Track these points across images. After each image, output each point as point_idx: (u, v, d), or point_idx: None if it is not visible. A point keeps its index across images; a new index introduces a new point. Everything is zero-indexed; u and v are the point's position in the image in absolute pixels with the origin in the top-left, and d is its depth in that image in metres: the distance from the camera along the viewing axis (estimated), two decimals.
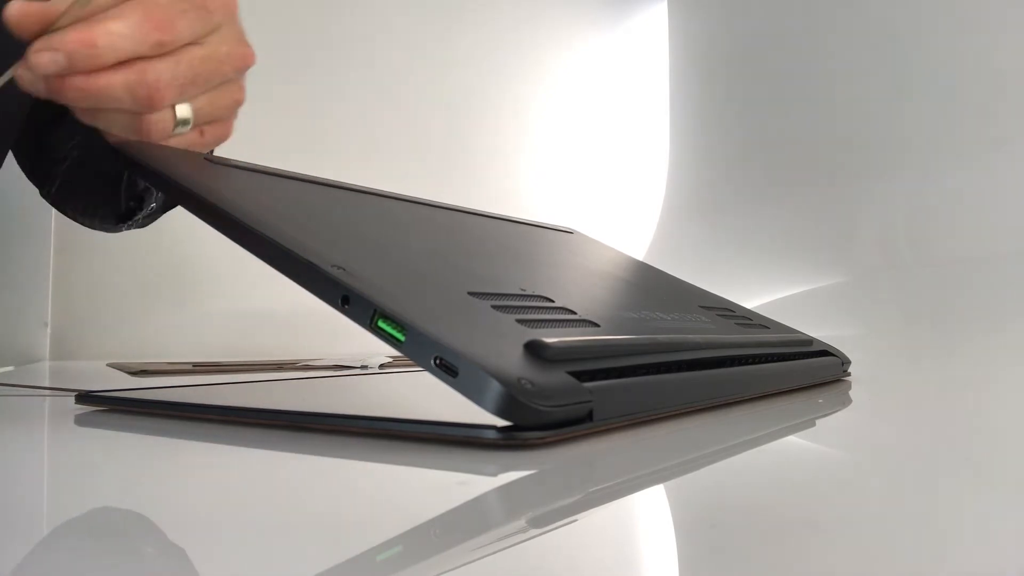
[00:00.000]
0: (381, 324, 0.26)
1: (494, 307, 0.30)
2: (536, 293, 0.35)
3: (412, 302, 0.27)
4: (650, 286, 0.50)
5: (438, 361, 0.24)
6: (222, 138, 0.43)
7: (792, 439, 0.32)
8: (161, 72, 0.37)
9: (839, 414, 0.39)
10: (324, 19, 1.16)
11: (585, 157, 1.53)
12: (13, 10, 0.34)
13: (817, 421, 0.36)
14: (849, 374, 0.50)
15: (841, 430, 0.35)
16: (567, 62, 1.52)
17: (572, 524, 0.19)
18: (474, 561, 0.16)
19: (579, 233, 0.59)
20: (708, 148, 1.42)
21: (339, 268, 0.27)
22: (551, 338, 0.27)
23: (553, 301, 0.35)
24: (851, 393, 0.45)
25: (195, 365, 0.72)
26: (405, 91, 1.23)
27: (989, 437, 0.32)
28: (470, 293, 0.31)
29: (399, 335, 0.25)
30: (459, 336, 0.25)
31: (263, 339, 0.97)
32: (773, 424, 0.34)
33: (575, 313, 0.34)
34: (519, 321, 0.30)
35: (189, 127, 0.39)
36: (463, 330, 0.27)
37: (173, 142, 0.40)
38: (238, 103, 0.43)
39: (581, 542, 0.18)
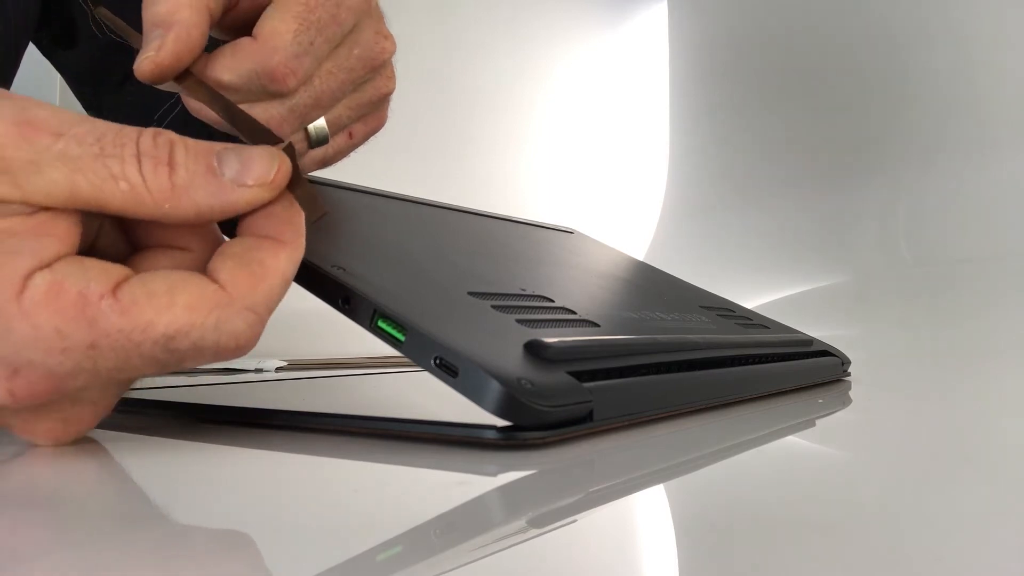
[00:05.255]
0: (381, 324, 0.26)
1: (494, 307, 0.30)
2: (536, 293, 0.35)
3: (412, 302, 0.27)
4: (650, 286, 0.50)
5: (438, 361, 0.24)
6: (375, 131, 0.40)
7: (792, 439, 0.32)
8: (271, 111, 0.33)
9: (839, 414, 0.39)
10: None
11: (585, 157, 1.53)
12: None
13: (817, 421, 0.36)
14: (849, 374, 0.50)
15: (841, 430, 0.35)
16: (567, 62, 1.52)
17: (572, 524, 0.19)
18: (474, 561, 0.16)
19: (579, 233, 0.59)
20: (708, 148, 1.42)
21: (339, 268, 0.27)
22: (551, 338, 0.27)
23: (553, 301, 0.35)
24: (851, 393, 0.45)
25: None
26: (404, 91, 1.23)
27: (989, 437, 0.32)
28: (470, 293, 0.31)
29: (399, 335, 0.25)
30: (459, 336, 0.25)
31: (263, 339, 0.97)
32: (773, 424, 0.34)
33: (575, 313, 0.34)
34: (519, 321, 0.30)
35: (327, 141, 0.36)
36: (463, 330, 0.27)
37: (318, 154, 0.36)
38: (385, 96, 0.38)
39: (581, 542, 0.18)
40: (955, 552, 0.17)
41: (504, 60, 1.42)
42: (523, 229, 0.52)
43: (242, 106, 0.32)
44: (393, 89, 0.39)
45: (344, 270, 0.27)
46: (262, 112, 0.32)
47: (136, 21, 0.32)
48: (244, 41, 0.32)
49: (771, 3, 1.33)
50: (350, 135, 0.38)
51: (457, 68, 1.34)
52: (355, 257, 0.30)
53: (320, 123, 0.35)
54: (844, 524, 0.19)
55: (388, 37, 0.37)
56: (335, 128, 0.36)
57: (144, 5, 0.31)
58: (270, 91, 0.32)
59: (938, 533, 0.19)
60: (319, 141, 0.36)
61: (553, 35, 1.51)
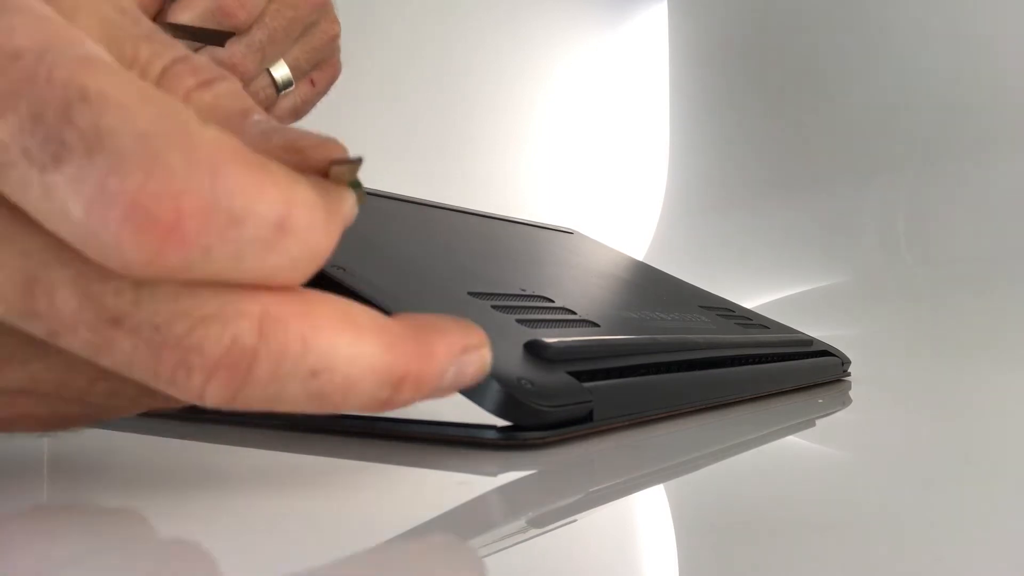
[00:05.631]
0: None
1: (494, 307, 0.30)
2: (536, 293, 0.35)
3: (412, 302, 0.27)
4: (650, 286, 0.50)
5: None
6: (334, 77, 0.44)
7: (792, 439, 0.32)
8: (232, 48, 0.37)
9: (839, 414, 0.39)
10: None
11: (585, 157, 1.53)
12: None
13: (817, 421, 0.36)
14: (849, 374, 0.50)
15: (841, 430, 0.35)
16: (567, 62, 1.52)
17: (572, 524, 0.19)
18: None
19: (579, 233, 0.59)
20: (708, 148, 1.42)
21: (339, 268, 0.27)
22: (551, 338, 0.27)
23: (553, 301, 0.35)
24: (851, 393, 0.45)
25: None
26: (404, 91, 1.23)
27: (989, 437, 0.32)
28: (470, 293, 0.31)
29: None
30: None
31: None
32: (773, 424, 0.34)
33: (575, 313, 0.34)
34: (519, 321, 0.30)
35: (293, 84, 0.40)
36: None
37: (288, 103, 0.40)
38: (334, 37, 0.42)
39: (581, 542, 0.18)
40: (955, 552, 0.17)
41: (504, 60, 1.42)
42: (523, 229, 0.52)
43: (207, 50, 0.37)
44: (339, 32, 0.43)
45: (344, 270, 0.27)
46: (224, 51, 0.37)
47: None
48: None
49: (771, 3, 1.33)
50: (312, 83, 0.42)
51: (457, 68, 1.34)
52: (355, 257, 0.30)
53: (282, 68, 0.40)
54: (844, 524, 0.19)
55: None
56: (297, 73, 0.40)
57: None
58: (226, 27, 0.37)
59: (938, 533, 0.19)
60: (285, 84, 0.40)
61: (553, 35, 1.51)
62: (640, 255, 1.33)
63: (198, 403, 0.17)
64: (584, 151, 1.53)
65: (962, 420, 0.37)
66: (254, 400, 0.17)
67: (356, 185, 0.20)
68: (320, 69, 0.42)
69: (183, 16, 0.36)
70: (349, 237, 0.35)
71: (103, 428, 0.31)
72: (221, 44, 0.37)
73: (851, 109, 1.19)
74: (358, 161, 0.19)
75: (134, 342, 0.16)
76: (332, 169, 0.19)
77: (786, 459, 0.28)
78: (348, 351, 0.17)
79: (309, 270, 0.17)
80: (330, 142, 0.19)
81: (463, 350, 0.19)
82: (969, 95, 1.07)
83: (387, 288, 0.28)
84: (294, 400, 0.17)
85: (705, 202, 1.39)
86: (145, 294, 0.16)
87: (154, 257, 0.15)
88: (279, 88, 0.40)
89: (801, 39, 1.27)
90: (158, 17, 0.37)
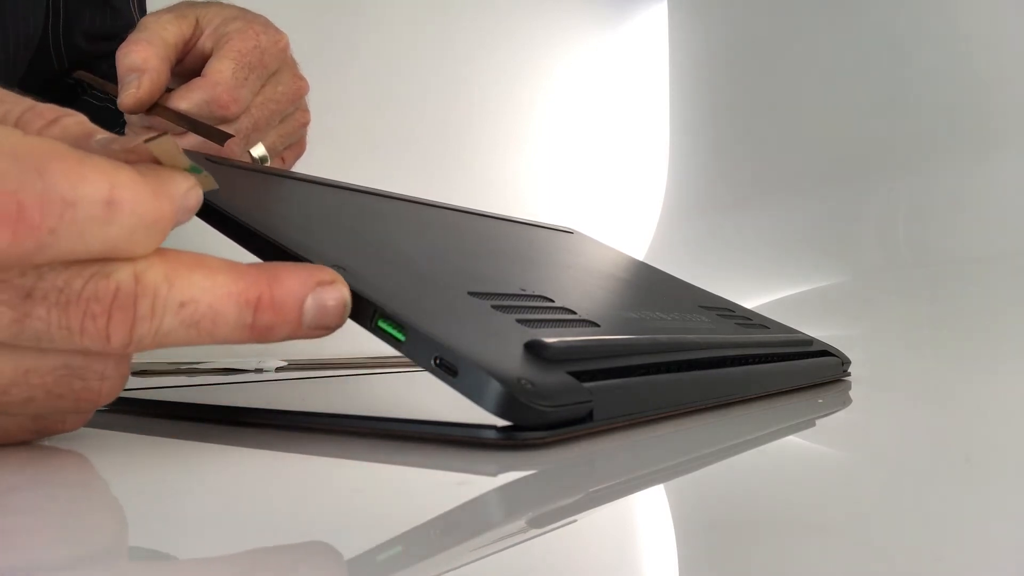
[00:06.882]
0: (381, 324, 0.26)
1: (494, 307, 0.30)
2: (536, 293, 0.35)
3: (412, 302, 0.27)
4: (650, 286, 0.50)
5: (438, 361, 0.24)
6: (299, 155, 0.51)
7: (792, 439, 0.32)
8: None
9: (839, 414, 0.39)
10: (323, 19, 1.16)
11: (585, 157, 1.53)
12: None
13: (817, 421, 0.36)
14: (849, 374, 0.50)
15: (841, 430, 0.35)
16: (567, 62, 1.52)
17: (572, 524, 0.19)
18: (474, 561, 0.16)
19: (579, 233, 0.59)
20: (708, 148, 1.42)
21: (339, 268, 0.27)
22: (551, 338, 0.27)
23: (553, 301, 0.35)
24: (851, 393, 0.45)
25: (195, 365, 0.72)
26: (404, 91, 1.23)
27: (989, 437, 0.32)
28: (470, 293, 0.31)
29: (399, 335, 0.25)
30: (459, 336, 0.25)
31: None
32: (773, 424, 0.34)
33: (575, 313, 0.34)
34: (519, 321, 0.30)
35: (268, 161, 0.46)
36: (463, 330, 0.27)
37: None
38: (304, 125, 0.49)
39: (581, 542, 0.18)
40: (955, 552, 0.17)
41: (504, 60, 1.42)
42: (523, 229, 0.52)
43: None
44: (309, 120, 0.50)
45: (344, 270, 0.27)
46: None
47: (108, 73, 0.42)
48: (196, 80, 0.42)
49: (771, 3, 1.33)
50: (282, 159, 0.49)
51: (457, 68, 1.34)
52: (355, 257, 0.30)
53: (260, 148, 0.46)
54: (844, 524, 0.19)
55: (303, 79, 0.48)
56: (272, 152, 0.47)
57: (118, 57, 0.41)
58: (218, 116, 0.41)
59: (938, 533, 0.19)
60: (261, 161, 0.46)
61: (553, 35, 1.51)
62: (640, 255, 1.33)
63: (107, 348, 0.21)
64: (584, 151, 1.53)
65: (962, 419, 0.37)
66: (147, 336, 0.21)
67: (196, 170, 0.23)
68: (290, 149, 0.49)
69: (181, 104, 0.41)
70: (349, 237, 0.35)
71: (103, 429, 0.31)
72: (220, 142, 0.40)
73: (851, 109, 1.19)
74: (162, 135, 0.22)
75: (47, 307, 0.20)
76: (151, 149, 0.22)
77: (786, 459, 0.28)
78: (204, 283, 0.22)
79: (149, 239, 0.21)
80: (159, 137, 0.22)
81: (316, 283, 0.24)
82: (969, 95, 1.07)
83: (387, 288, 0.28)
84: (175, 332, 0.21)
85: (705, 202, 1.39)
86: (45, 268, 0.20)
87: (11, 244, 0.19)
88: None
89: (801, 39, 1.27)
90: (159, 103, 0.41)
